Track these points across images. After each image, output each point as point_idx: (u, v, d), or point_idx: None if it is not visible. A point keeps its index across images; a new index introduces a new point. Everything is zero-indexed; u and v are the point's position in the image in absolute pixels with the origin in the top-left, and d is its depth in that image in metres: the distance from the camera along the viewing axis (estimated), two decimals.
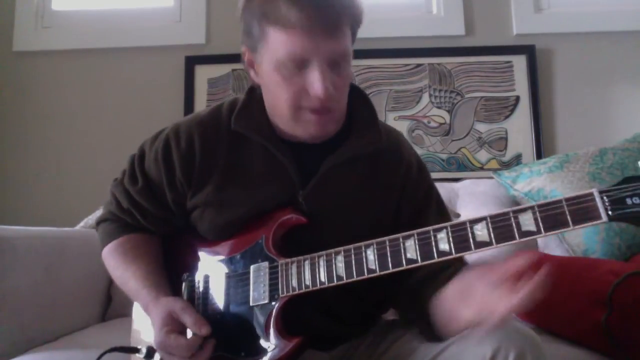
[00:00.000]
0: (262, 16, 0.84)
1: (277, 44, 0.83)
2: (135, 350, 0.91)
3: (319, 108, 0.86)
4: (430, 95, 2.15)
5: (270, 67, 0.86)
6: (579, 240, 1.61)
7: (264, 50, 0.86)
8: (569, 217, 0.67)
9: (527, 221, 0.70)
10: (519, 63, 2.15)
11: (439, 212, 1.02)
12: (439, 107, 2.15)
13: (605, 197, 0.66)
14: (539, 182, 1.72)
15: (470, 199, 1.82)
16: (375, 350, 0.95)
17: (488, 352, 0.74)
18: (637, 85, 2.15)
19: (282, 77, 0.85)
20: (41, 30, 2.24)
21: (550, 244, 1.69)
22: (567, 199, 0.68)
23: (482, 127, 2.13)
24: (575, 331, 1.17)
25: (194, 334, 0.85)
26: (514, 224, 0.71)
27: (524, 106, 2.13)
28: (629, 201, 0.64)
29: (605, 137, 2.03)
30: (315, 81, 0.83)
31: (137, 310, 1.03)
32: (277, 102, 0.89)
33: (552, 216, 0.68)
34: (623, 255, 1.54)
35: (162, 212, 1.01)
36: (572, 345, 1.15)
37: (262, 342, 0.86)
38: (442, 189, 1.79)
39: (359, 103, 1.01)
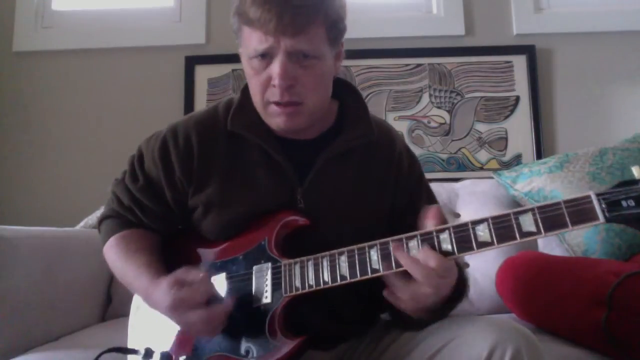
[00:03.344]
0: (238, 14, 0.90)
1: (247, 41, 0.90)
2: (134, 351, 0.91)
3: (280, 99, 0.89)
4: (430, 95, 2.15)
5: (245, 60, 0.93)
6: (579, 240, 1.61)
7: (242, 45, 0.94)
8: (567, 219, 0.70)
9: (528, 222, 0.72)
10: (519, 63, 2.15)
11: (429, 200, 1.05)
12: (439, 107, 2.15)
13: (602, 200, 0.68)
14: (539, 182, 1.72)
15: (470, 199, 1.81)
16: (375, 350, 0.95)
17: (485, 349, 0.76)
18: (637, 85, 2.15)
19: (253, 70, 0.91)
20: (41, 30, 2.24)
21: (550, 244, 1.69)
22: (565, 201, 0.71)
23: (482, 127, 2.13)
24: (575, 331, 1.17)
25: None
26: (514, 225, 0.73)
27: (524, 106, 2.13)
28: (624, 204, 0.68)
29: (605, 137, 2.03)
30: (274, 72, 0.87)
31: (135, 306, 1.03)
32: (252, 93, 0.95)
33: (552, 217, 0.71)
34: (623, 255, 1.54)
35: (163, 210, 1.02)
36: (572, 345, 1.15)
37: (264, 342, 0.87)
38: (442, 189, 1.82)
39: (349, 98, 1.04)
